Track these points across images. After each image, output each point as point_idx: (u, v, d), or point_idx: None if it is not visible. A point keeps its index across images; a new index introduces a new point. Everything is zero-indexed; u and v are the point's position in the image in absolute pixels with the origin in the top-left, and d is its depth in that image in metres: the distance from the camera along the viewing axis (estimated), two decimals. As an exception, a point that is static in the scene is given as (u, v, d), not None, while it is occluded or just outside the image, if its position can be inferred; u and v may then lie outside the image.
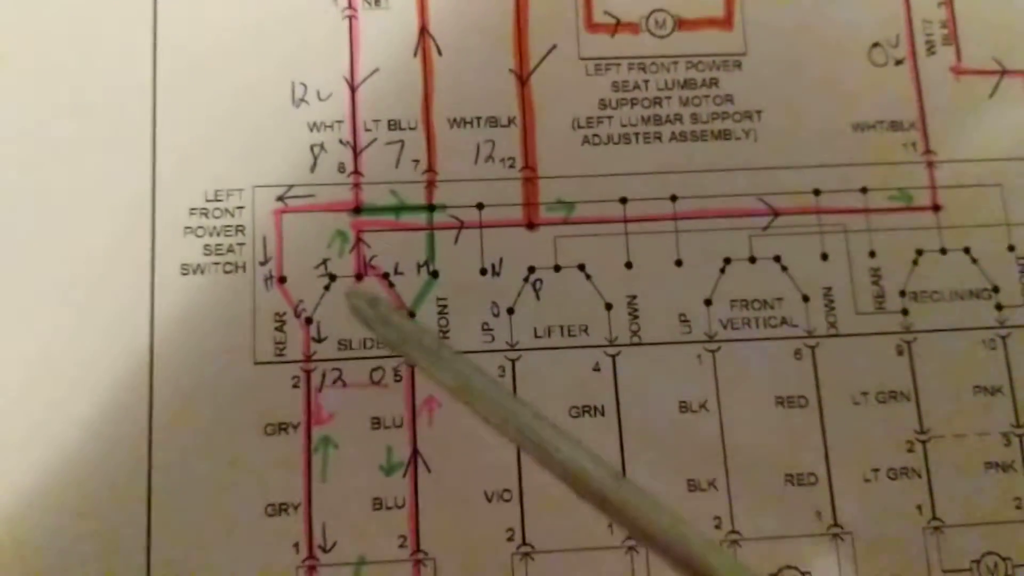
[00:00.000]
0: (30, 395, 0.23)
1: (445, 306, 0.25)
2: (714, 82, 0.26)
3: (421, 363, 0.21)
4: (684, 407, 0.25)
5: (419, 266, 0.25)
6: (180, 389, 0.24)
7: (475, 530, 0.24)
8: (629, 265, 0.25)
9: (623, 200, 0.25)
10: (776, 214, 0.26)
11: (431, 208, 0.25)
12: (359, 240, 0.25)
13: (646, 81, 0.26)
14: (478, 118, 0.26)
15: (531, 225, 0.25)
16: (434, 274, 0.25)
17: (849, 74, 0.27)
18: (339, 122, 0.25)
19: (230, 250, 0.25)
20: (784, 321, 0.25)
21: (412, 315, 0.24)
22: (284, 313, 0.24)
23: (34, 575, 0.23)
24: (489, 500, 0.24)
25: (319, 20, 0.26)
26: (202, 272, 0.24)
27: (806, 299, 0.25)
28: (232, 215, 0.25)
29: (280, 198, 0.25)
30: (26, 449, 0.23)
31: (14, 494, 0.23)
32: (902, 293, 0.26)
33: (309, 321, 0.24)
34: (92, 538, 0.23)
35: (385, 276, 0.25)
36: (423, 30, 0.26)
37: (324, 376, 0.24)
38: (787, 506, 0.24)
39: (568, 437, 0.19)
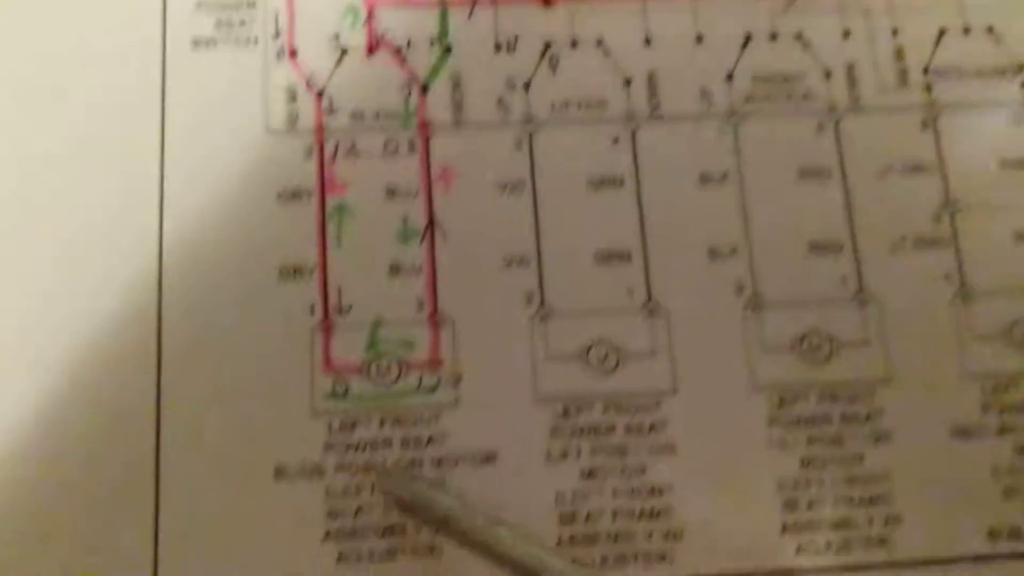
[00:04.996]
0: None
1: (460, 80, 0.24)
2: None
3: (476, 539, 0.20)
4: (705, 178, 0.24)
5: (432, 41, 0.24)
6: (192, 160, 0.24)
7: (493, 294, 0.23)
8: (648, 41, 0.25)
9: (641, -24, 0.25)
10: (797, -9, 0.25)
11: (444, -16, 0.25)
12: (371, 15, 0.24)
13: None
14: None
15: (547, 1, 0.25)
16: (447, 49, 0.24)
17: None
18: None
19: (242, 24, 0.24)
20: (806, 96, 0.25)
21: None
22: (296, 85, 0.24)
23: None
24: (507, 265, 0.23)
25: None
26: (214, 46, 0.24)
27: (828, 75, 0.25)
28: (244, -10, 0.24)
29: (292, -28, 0.24)
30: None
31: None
32: (925, 70, 0.25)
33: (321, 93, 0.24)
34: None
35: (398, 51, 0.24)
36: None
37: (337, 146, 0.24)
38: (812, 273, 0.24)
39: None
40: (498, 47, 0.24)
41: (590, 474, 0.22)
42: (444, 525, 0.21)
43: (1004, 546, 0.22)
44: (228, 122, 0.24)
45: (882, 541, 0.22)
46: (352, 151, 0.24)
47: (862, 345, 0.23)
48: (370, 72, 0.24)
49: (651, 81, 0.25)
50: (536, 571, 0.19)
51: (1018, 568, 0.22)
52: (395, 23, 0.24)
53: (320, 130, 0.24)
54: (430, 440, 0.22)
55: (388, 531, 0.22)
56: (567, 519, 0.22)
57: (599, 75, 0.25)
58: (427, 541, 0.22)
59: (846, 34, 0.25)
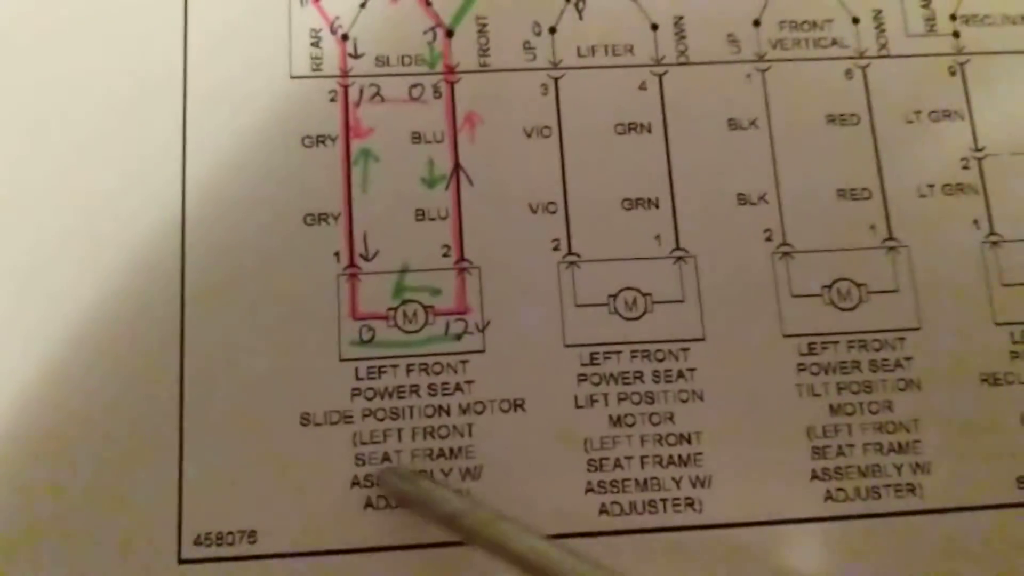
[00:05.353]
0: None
1: (485, 25, 0.24)
2: None
3: (480, 535, 0.19)
4: (733, 124, 0.24)
5: (458, -15, 0.24)
6: (215, 105, 0.23)
7: (520, 240, 0.23)
8: (675, -14, 0.24)
9: (667, -79, 0.25)
10: (824, -64, 0.25)
11: (468, -72, 0.24)
12: (395, -42, 0.24)
13: None
14: None
15: (572, -54, 0.24)
16: (473, -7, 0.24)
17: None
18: None
19: (264, -34, 0.24)
20: (834, 42, 0.24)
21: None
22: (320, 29, 0.24)
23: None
24: (534, 212, 0.23)
25: None
26: (235, -12, 0.24)
27: (856, 21, 0.25)
28: (265, -68, 0.24)
29: (314, -86, 0.24)
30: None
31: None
32: (953, 17, 0.25)
33: (346, 37, 0.24)
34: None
35: (423, -5, 0.24)
36: None
37: (362, 92, 0.23)
38: (840, 219, 0.23)
39: None
40: (523, -9, 0.24)
41: (618, 421, 0.22)
42: (449, 522, 0.20)
43: (1033, 494, 0.22)
44: (252, 66, 0.23)
45: (911, 488, 0.22)
46: (377, 96, 0.23)
47: (891, 292, 0.23)
48: (395, 16, 0.24)
49: (678, 26, 0.24)
50: (543, 567, 0.19)
51: (1047, 515, 0.22)
52: (419, -33, 0.24)
53: (345, 74, 0.23)
54: (457, 387, 0.22)
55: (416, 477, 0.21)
56: (595, 466, 0.22)
57: (626, 20, 0.24)
58: (456, 487, 0.21)
59: (874, -20, 0.25)
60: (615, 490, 0.22)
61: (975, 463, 0.22)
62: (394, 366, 0.22)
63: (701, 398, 0.22)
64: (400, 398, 0.22)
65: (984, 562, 0.22)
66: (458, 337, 0.22)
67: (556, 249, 0.23)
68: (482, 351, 0.22)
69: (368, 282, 0.22)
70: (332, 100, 0.23)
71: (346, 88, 0.23)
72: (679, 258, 0.23)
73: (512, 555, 0.19)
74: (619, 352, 0.22)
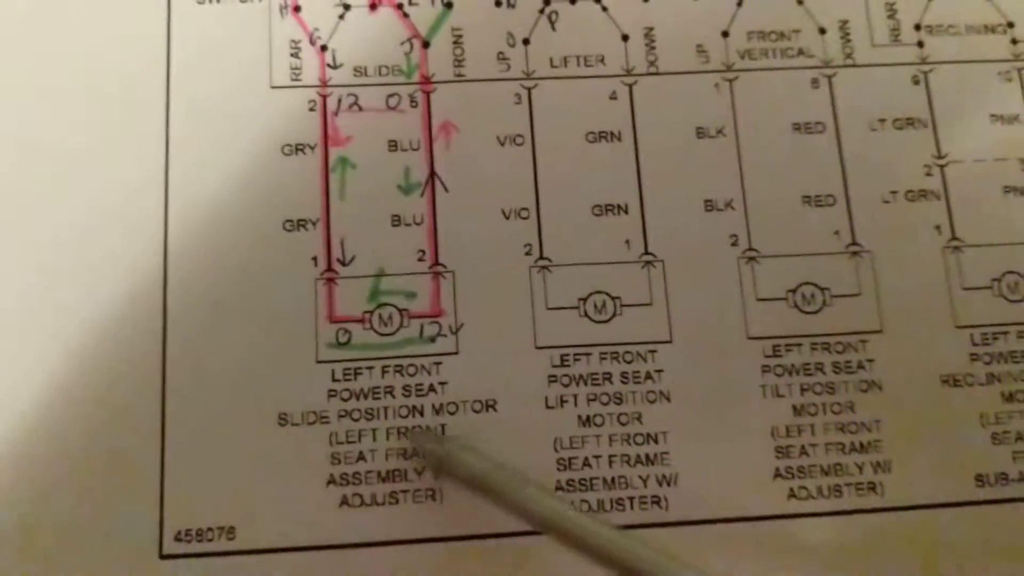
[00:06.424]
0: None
1: (460, 36, 0.25)
2: None
3: (505, 500, 0.20)
4: (701, 132, 0.24)
5: (433, -3, 0.25)
6: (196, 113, 0.24)
7: (493, 245, 0.23)
8: (645, -3, 0.25)
9: (638, -66, 0.25)
10: (792, -52, 0.25)
11: (445, -58, 0.25)
12: (373, -29, 0.25)
13: None
14: None
15: (546, -42, 0.25)
16: (448, 5, 0.25)
17: None
18: None
19: (245, -21, 0.24)
20: (801, 52, 0.25)
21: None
22: (299, 40, 0.24)
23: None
24: (507, 217, 0.24)
25: None
26: (218, 1, 0.24)
27: (823, 31, 0.25)
28: (246, -54, 0.25)
29: (294, -72, 0.25)
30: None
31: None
32: (917, 27, 0.25)
33: (324, 48, 0.24)
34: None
35: (399, 7, 0.25)
36: None
37: (340, 101, 0.24)
38: (805, 225, 0.24)
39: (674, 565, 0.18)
40: (498, 3, 0.25)
41: (587, 421, 0.23)
42: (475, 485, 0.21)
43: (991, 492, 0.23)
44: (232, 76, 0.24)
45: (872, 487, 0.23)
46: (355, 105, 0.24)
47: (854, 296, 0.24)
48: (373, 27, 0.25)
49: (648, 37, 0.25)
50: (567, 531, 0.19)
51: (1004, 512, 0.23)
52: (396, -21, 0.25)
53: (323, 84, 0.24)
54: (431, 388, 0.23)
55: (390, 476, 0.22)
56: (564, 464, 0.22)
57: (597, 31, 0.25)
58: (428, 485, 0.22)
59: (840, -9, 0.25)
60: (583, 488, 0.22)
61: (935, 462, 0.23)
62: (369, 368, 0.23)
63: (668, 399, 0.23)
64: (375, 399, 0.23)
65: (943, 559, 0.22)
66: (432, 339, 0.23)
67: (528, 254, 0.23)
68: (455, 353, 0.23)
69: (345, 286, 0.23)
70: (311, 109, 0.24)
71: (325, 98, 0.24)
72: (647, 263, 0.24)
73: (534, 519, 0.20)
74: (589, 354, 0.23)
